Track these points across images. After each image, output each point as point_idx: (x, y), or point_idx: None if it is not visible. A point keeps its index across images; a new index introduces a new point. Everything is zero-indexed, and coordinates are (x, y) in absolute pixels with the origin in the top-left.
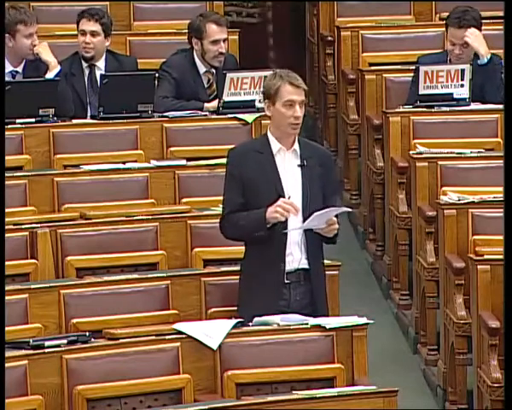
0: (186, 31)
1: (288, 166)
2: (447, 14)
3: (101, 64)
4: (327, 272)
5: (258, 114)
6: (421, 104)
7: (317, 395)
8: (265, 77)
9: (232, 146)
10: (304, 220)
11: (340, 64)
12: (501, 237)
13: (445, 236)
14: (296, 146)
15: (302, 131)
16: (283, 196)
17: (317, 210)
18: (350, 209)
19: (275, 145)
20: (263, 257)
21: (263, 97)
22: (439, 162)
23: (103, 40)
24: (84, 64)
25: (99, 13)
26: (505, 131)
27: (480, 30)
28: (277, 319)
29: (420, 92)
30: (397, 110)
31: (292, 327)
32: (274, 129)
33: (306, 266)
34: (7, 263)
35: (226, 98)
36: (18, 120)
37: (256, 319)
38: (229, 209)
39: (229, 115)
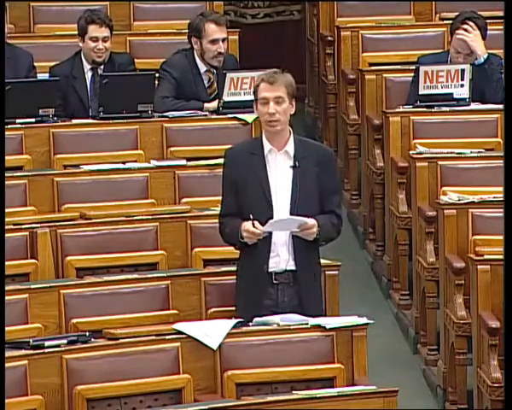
0: (186, 31)
1: (279, 168)
2: (447, 14)
3: (101, 66)
4: (327, 272)
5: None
6: (421, 104)
7: (317, 395)
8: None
9: (228, 146)
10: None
11: (340, 64)
12: (501, 237)
13: (445, 236)
14: (289, 147)
15: (302, 131)
16: (270, 199)
17: (308, 212)
18: (306, 220)
19: (267, 146)
20: (250, 258)
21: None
22: (439, 162)
23: (110, 42)
24: (87, 66)
25: (106, 17)
26: (505, 131)
27: (485, 37)
28: (277, 319)
29: (420, 92)
30: (397, 110)
31: (292, 327)
32: (264, 129)
33: (293, 268)
34: (7, 263)
35: (226, 98)
36: (18, 120)
37: (256, 319)
38: (223, 213)
39: (229, 115)
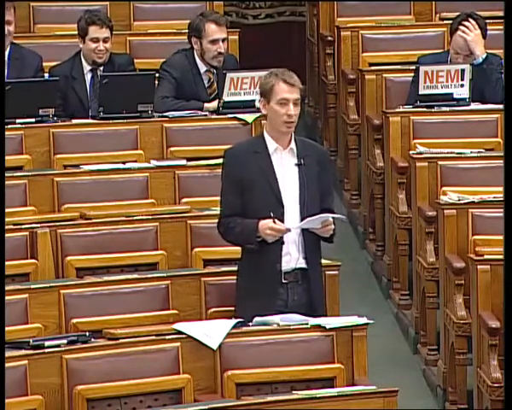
0: (186, 31)
1: (286, 166)
2: (447, 14)
3: (101, 67)
4: (327, 272)
5: (258, 114)
6: (421, 104)
7: (317, 395)
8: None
9: (228, 146)
10: (301, 220)
11: (340, 64)
12: (501, 237)
13: (445, 236)
14: (293, 145)
15: (302, 131)
16: (280, 197)
17: (314, 209)
18: (344, 217)
19: (271, 145)
20: (260, 257)
21: (259, 96)
22: (439, 162)
23: (111, 43)
24: (87, 67)
25: (106, 18)
26: (505, 131)
27: (485, 37)
28: (277, 319)
29: (420, 92)
30: (397, 110)
31: (292, 327)
32: (270, 128)
33: (304, 266)
34: (7, 263)
35: (226, 98)
36: (18, 120)
37: (256, 319)
38: (226, 213)
39: (229, 115)
